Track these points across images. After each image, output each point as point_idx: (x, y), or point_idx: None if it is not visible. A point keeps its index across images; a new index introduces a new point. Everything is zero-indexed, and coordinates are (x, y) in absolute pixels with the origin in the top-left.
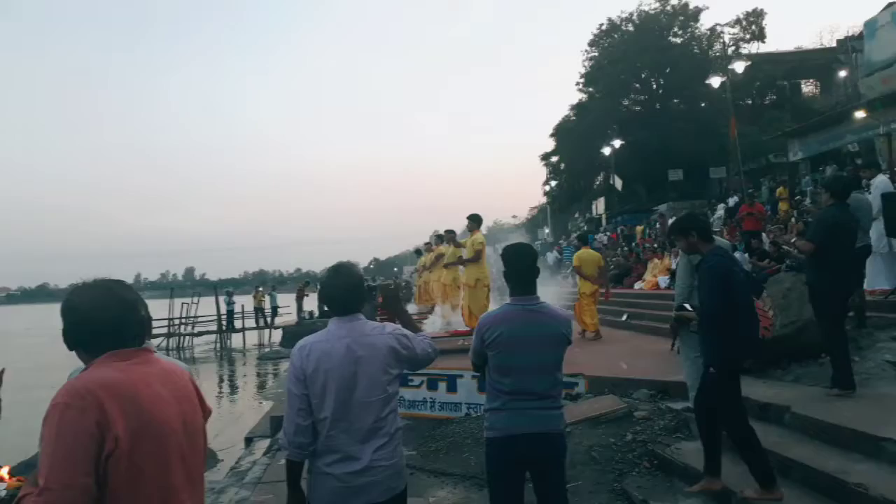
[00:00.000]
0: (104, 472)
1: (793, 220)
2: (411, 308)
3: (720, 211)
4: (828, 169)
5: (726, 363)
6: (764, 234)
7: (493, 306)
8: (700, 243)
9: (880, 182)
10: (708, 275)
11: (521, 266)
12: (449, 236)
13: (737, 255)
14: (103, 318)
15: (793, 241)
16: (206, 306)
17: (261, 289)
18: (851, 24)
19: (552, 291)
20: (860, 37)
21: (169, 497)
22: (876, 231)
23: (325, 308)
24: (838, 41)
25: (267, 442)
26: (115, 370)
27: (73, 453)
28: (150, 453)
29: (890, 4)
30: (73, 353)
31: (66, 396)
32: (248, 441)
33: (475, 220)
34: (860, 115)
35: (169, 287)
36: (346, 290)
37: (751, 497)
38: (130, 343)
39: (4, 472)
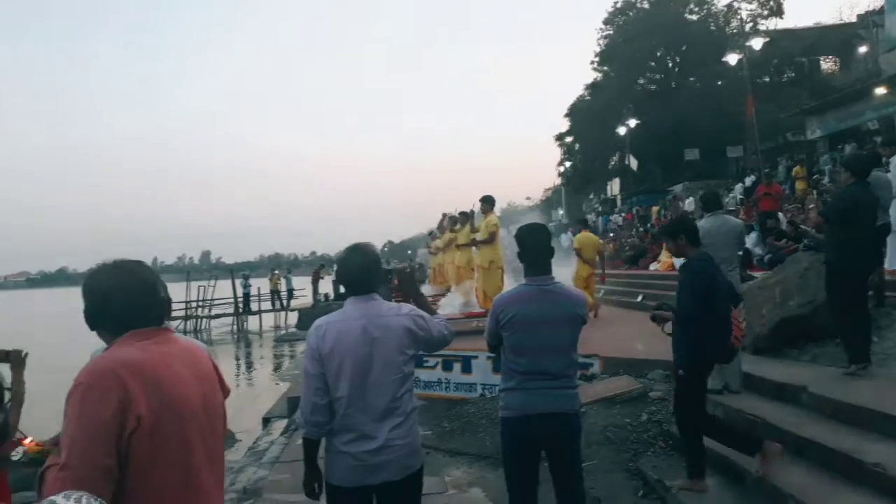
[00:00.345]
0: (126, 452)
1: (812, 197)
2: (426, 290)
3: (737, 191)
4: (847, 147)
5: (697, 364)
6: (781, 214)
7: (507, 287)
8: (688, 247)
9: None
10: (691, 278)
11: (535, 246)
12: (464, 218)
13: (753, 234)
14: (124, 299)
15: (810, 207)
16: (223, 289)
17: (276, 272)
18: None
19: (567, 272)
20: (881, 11)
21: (190, 476)
22: (895, 209)
23: (342, 288)
24: (858, 16)
25: (284, 422)
26: (137, 350)
27: (96, 434)
28: (172, 433)
29: None
30: (95, 333)
31: (89, 376)
32: (266, 421)
33: (488, 202)
34: (881, 91)
35: (185, 270)
36: (362, 268)
37: (679, 487)
38: (151, 323)
39: (28, 440)
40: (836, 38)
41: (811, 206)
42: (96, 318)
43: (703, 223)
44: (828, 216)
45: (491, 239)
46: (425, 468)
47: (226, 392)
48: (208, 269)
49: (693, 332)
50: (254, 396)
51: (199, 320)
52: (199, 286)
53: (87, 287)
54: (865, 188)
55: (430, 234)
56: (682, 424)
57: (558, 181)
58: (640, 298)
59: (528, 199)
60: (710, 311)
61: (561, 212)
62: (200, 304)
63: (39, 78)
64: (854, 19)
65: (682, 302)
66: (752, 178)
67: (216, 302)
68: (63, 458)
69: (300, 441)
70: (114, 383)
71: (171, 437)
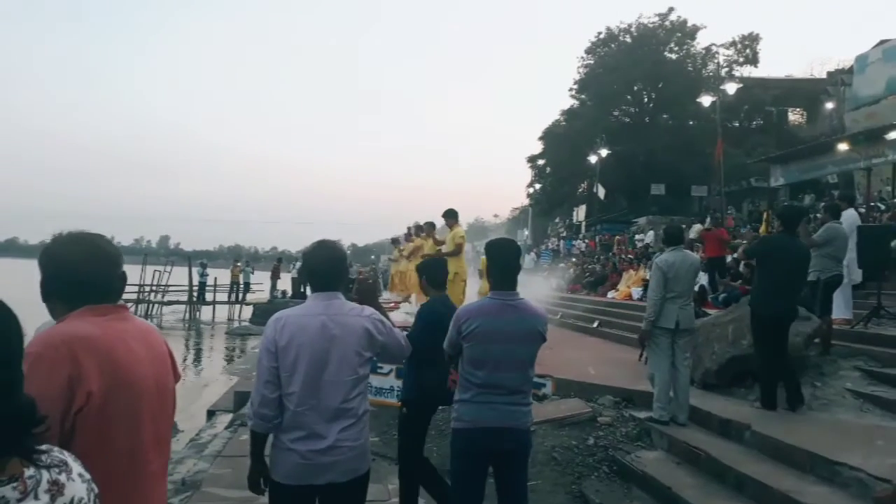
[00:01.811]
0: (72, 428)
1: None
2: (385, 296)
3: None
4: (806, 198)
5: (417, 402)
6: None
7: (468, 300)
8: (429, 288)
9: (851, 216)
10: (424, 317)
11: (503, 261)
12: (429, 228)
13: (705, 275)
14: (88, 271)
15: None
16: (179, 276)
17: (239, 263)
18: (842, 57)
19: (525, 291)
20: (850, 70)
21: (136, 457)
22: (849, 261)
23: (302, 287)
24: (828, 73)
25: (229, 416)
26: (92, 325)
27: (40, 407)
28: (123, 411)
29: (882, 41)
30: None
31: (39, 346)
32: (210, 414)
33: (452, 216)
34: (843, 147)
35: (142, 253)
36: (328, 264)
37: None
38: (108, 298)
39: None
40: (805, 91)
41: (743, 243)
42: (55, 289)
43: (667, 257)
44: (749, 254)
45: (457, 251)
46: (370, 474)
47: (177, 377)
48: (166, 253)
49: (419, 365)
50: (200, 388)
51: (151, 305)
52: (155, 270)
53: (48, 256)
54: (792, 238)
55: (393, 241)
56: (400, 459)
57: (526, 201)
58: (596, 324)
59: (495, 216)
60: (437, 349)
61: (526, 232)
62: (154, 288)
63: None
64: (824, 75)
65: (412, 336)
66: (716, 217)
67: (170, 288)
68: None
69: (245, 436)
70: (64, 356)
71: (122, 416)
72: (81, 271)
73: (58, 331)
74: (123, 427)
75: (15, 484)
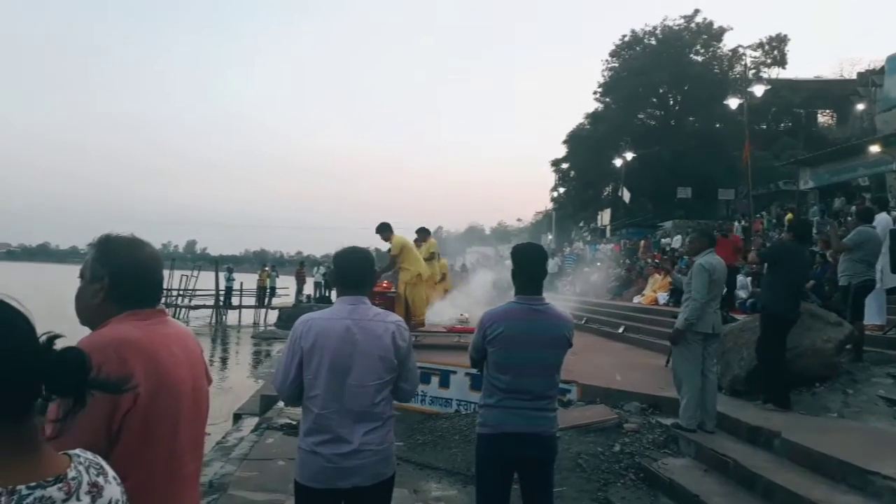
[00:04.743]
0: (119, 430)
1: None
2: None
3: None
4: (836, 201)
5: None
6: None
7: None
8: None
9: (884, 220)
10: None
11: (529, 265)
12: (423, 235)
13: (739, 277)
14: (152, 274)
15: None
16: (205, 280)
17: (267, 268)
18: (873, 57)
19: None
20: (881, 71)
21: (174, 459)
22: (881, 266)
23: (326, 291)
24: (859, 74)
25: (255, 420)
26: (136, 328)
27: (88, 409)
28: (164, 414)
29: None
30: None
31: (86, 348)
32: (237, 417)
33: (383, 230)
34: (875, 149)
35: (170, 258)
36: (357, 266)
37: None
38: (154, 302)
39: None
40: (834, 92)
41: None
42: (118, 290)
43: (709, 259)
44: (762, 256)
45: (393, 261)
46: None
47: (209, 381)
48: (192, 258)
49: None
50: (226, 391)
51: (178, 310)
52: (182, 275)
53: (113, 258)
54: (800, 247)
55: None
56: None
57: (550, 205)
58: (621, 330)
59: (518, 220)
60: None
61: (550, 236)
62: (181, 293)
63: (29, 59)
64: (854, 76)
65: None
66: (744, 222)
67: (197, 292)
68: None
69: (270, 440)
70: (113, 358)
71: (163, 418)
72: (148, 274)
73: (103, 334)
74: (164, 430)
75: (60, 485)
